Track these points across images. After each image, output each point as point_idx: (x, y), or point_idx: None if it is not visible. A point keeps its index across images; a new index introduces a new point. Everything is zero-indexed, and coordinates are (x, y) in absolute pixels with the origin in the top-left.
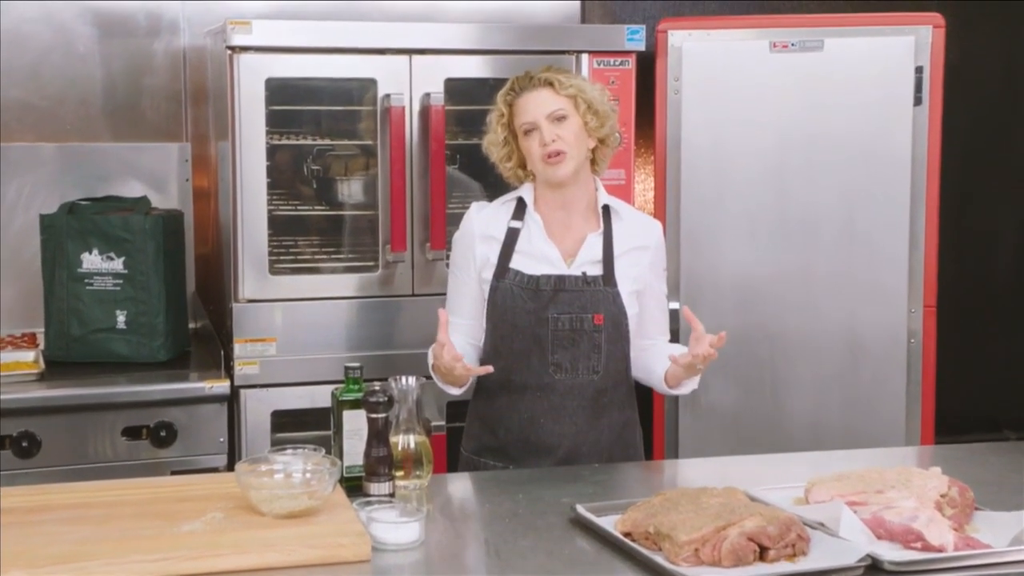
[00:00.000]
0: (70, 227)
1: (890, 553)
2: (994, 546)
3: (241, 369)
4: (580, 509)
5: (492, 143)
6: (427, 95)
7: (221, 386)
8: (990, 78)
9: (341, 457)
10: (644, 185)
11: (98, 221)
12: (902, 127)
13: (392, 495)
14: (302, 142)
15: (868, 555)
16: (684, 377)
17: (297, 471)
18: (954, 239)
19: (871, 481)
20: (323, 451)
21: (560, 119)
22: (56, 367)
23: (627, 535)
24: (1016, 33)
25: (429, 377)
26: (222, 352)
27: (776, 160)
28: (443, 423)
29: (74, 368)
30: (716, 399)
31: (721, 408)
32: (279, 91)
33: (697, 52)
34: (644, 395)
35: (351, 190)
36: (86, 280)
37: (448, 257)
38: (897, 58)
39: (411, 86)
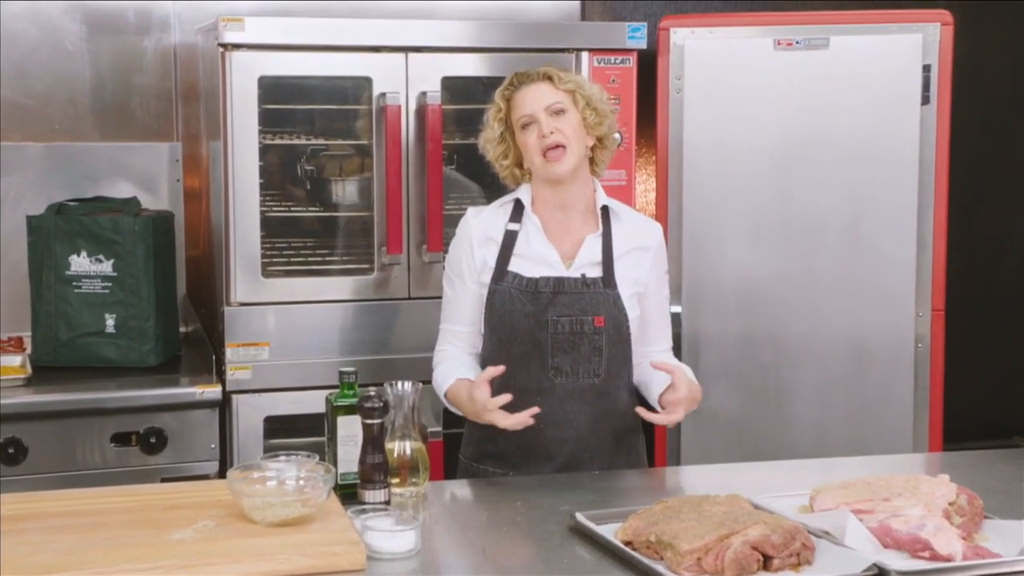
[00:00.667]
0: (58, 229)
1: (897, 563)
2: (1004, 556)
3: (233, 374)
4: (580, 517)
5: (488, 140)
6: (423, 94)
7: (212, 391)
8: (999, 77)
9: (335, 464)
10: (645, 186)
11: (86, 222)
12: (909, 127)
13: (388, 503)
14: (296, 142)
15: (874, 565)
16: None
17: (290, 478)
18: (962, 241)
19: (877, 489)
20: (317, 458)
21: (559, 112)
22: (43, 372)
23: (628, 544)
24: None
25: (426, 382)
26: (213, 356)
27: (780, 161)
28: (440, 429)
29: (62, 373)
30: (719, 405)
31: (724, 414)
32: (272, 89)
33: (699, 50)
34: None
35: (346, 191)
36: (74, 283)
37: (445, 260)
38: (904, 56)
39: (407, 85)
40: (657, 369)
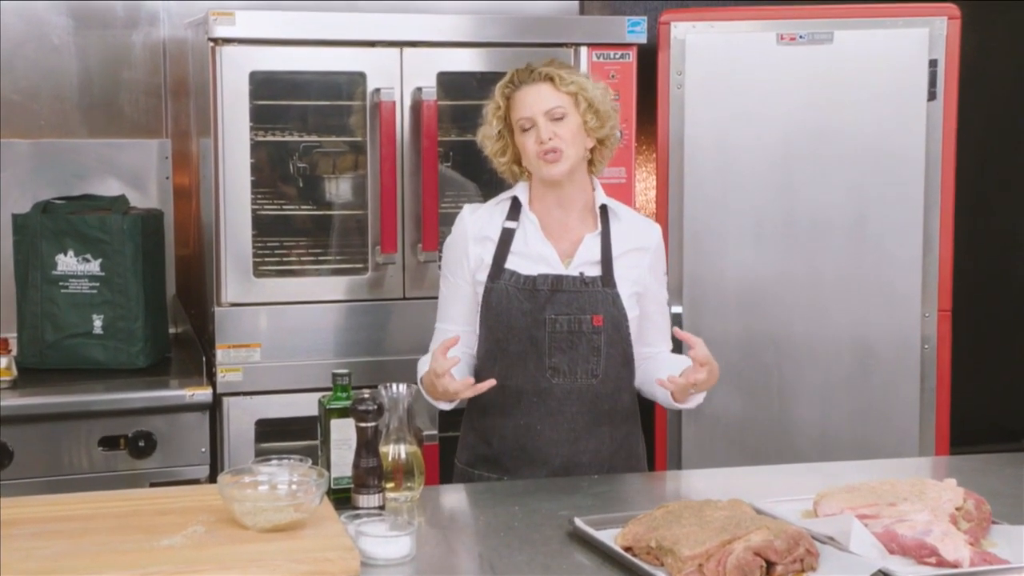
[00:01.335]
0: (44, 227)
1: (903, 569)
2: (1012, 562)
3: (224, 376)
4: (578, 522)
5: (487, 136)
6: (419, 89)
7: (203, 394)
8: (1008, 71)
9: (328, 468)
10: (645, 184)
11: (74, 221)
12: (915, 123)
13: (382, 508)
14: (288, 139)
15: (880, 571)
16: (691, 392)
17: (282, 483)
18: (970, 240)
19: (883, 493)
20: (310, 462)
21: (559, 118)
22: (29, 374)
23: (628, 550)
24: None
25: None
26: (204, 358)
27: (783, 158)
28: (435, 432)
29: (48, 375)
30: (721, 407)
31: (726, 417)
32: (264, 85)
33: (701, 45)
34: (645, 403)
35: (339, 189)
36: (61, 283)
37: (440, 259)
38: (910, 51)
39: (402, 80)
40: (679, 337)
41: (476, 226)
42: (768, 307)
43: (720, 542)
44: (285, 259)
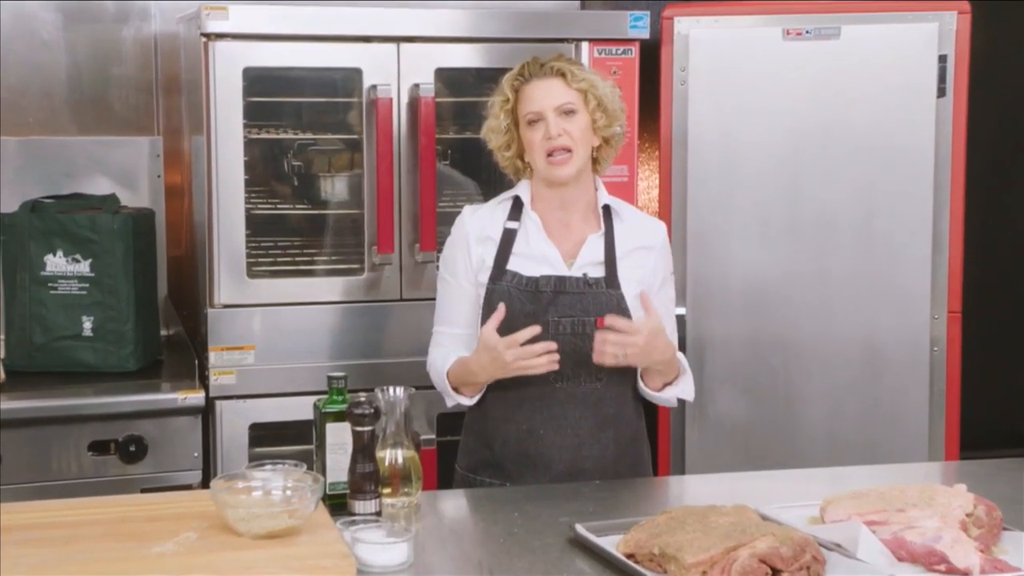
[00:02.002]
0: (32, 227)
1: None
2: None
3: (217, 379)
4: (580, 529)
5: (493, 130)
6: (416, 86)
7: (195, 397)
8: (1019, 67)
9: (324, 473)
10: (648, 182)
11: (63, 221)
12: (924, 120)
13: (379, 514)
14: (282, 136)
15: None
16: (659, 378)
17: (277, 488)
18: (980, 240)
19: (891, 499)
20: (305, 467)
21: (568, 113)
22: (17, 377)
23: (630, 556)
24: None
25: (418, 387)
26: (196, 361)
27: (789, 155)
28: (433, 437)
29: (37, 378)
30: (725, 411)
31: (730, 420)
32: (257, 81)
33: (705, 40)
34: (649, 406)
35: (335, 187)
36: (50, 284)
37: (439, 260)
38: (919, 46)
39: (399, 76)
40: (641, 302)
41: (477, 226)
42: (774, 308)
43: (725, 549)
44: (279, 259)
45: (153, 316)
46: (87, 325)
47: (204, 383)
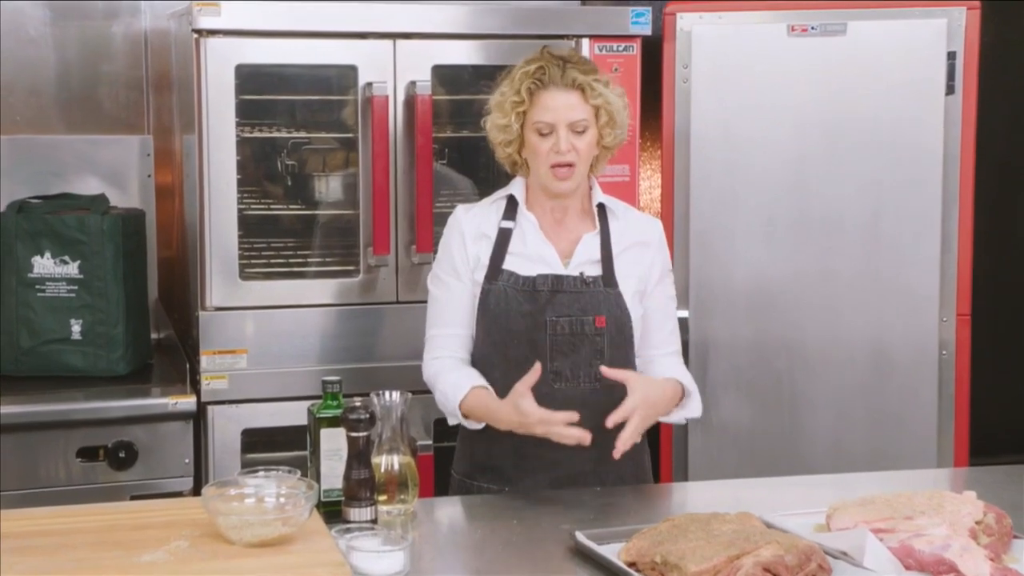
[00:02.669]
0: (20, 228)
1: None
2: None
3: (208, 384)
4: (580, 536)
5: (499, 128)
6: (413, 83)
7: (186, 402)
8: None
9: (318, 480)
10: (650, 182)
11: (51, 221)
12: (933, 118)
13: (374, 521)
14: (275, 135)
15: None
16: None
17: (270, 495)
18: (990, 240)
19: (899, 506)
20: (298, 473)
21: (580, 131)
22: (4, 381)
23: (631, 565)
24: None
25: (415, 392)
26: (187, 365)
27: (795, 154)
28: (430, 442)
29: (24, 383)
30: (729, 416)
31: (734, 426)
32: (250, 79)
33: (708, 36)
34: None
35: (329, 187)
36: (37, 286)
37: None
38: (927, 43)
39: (395, 74)
40: (607, 375)
41: (472, 224)
42: (779, 310)
43: (728, 557)
44: (273, 261)
45: (143, 319)
46: (76, 328)
47: (195, 388)
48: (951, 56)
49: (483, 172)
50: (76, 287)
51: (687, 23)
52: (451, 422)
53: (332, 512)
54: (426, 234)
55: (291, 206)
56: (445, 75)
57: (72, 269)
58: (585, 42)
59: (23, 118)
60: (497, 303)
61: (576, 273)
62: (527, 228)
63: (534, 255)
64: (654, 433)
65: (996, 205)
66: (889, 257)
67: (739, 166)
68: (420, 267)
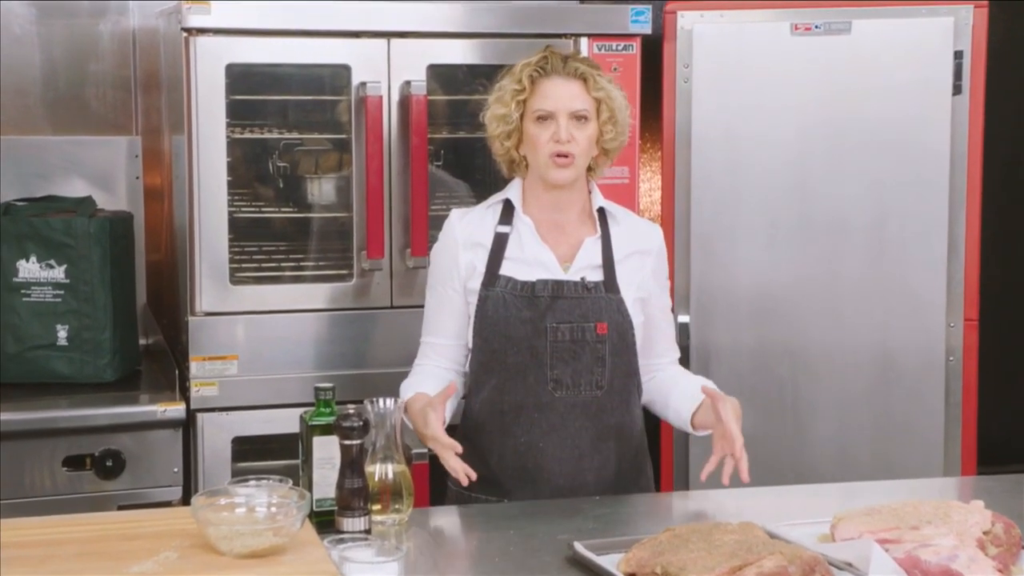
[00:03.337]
0: (5, 231)
1: None
2: None
3: (198, 390)
4: (578, 547)
5: (499, 118)
6: (407, 83)
7: (175, 409)
8: None
9: (310, 489)
10: (650, 184)
11: (36, 224)
12: (940, 119)
13: (368, 532)
14: (267, 136)
15: None
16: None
17: (261, 505)
18: (998, 244)
19: (905, 516)
20: (290, 482)
21: (580, 119)
22: None
23: None
24: None
25: None
26: (176, 371)
27: (798, 156)
28: (425, 451)
29: (9, 390)
30: None
31: None
32: (241, 78)
33: (709, 35)
34: (650, 418)
35: (322, 190)
36: (23, 291)
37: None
38: (934, 42)
39: (389, 73)
40: (706, 394)
41: (466, 231)
42: (782, 315)
43: (730, 568)
44: (264, 265)
45: (131, 324)
46: (62, 334)
47: (185, 395)
48: (958, 55)
49: (479, 174)
50: (62, 292)
51: (688, 22)
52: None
53: (325, 522)
54: (421, 237)
55: (283, 209)
56: (441, 75)
57: (58, 273)
58: (584, 41)
59: (8, 118)
60: (495, 309)
61: (577, 278)
62: (524, 232)
63: (532, 260)
64: (654, 441)
65: (1004, 207)
66: (894, 261)
67: (741, 168)
68: (415, 271)
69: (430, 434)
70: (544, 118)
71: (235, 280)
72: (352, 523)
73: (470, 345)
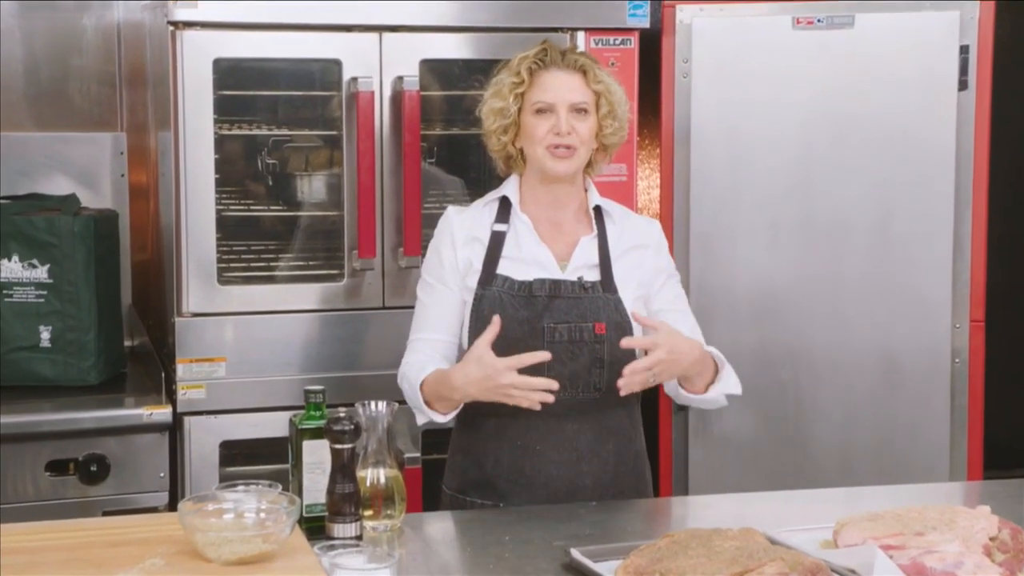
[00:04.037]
0: None
1: None
2: None
3: (185, 393)
4: (575, 553)
5: (496, 111)
6: (400, 79)
7: (161, 413)
8: None
9: (300, 494)
10: (648, 182)
11: (18, 223)
12: (945, 115)
13: (359, 538)
14: (256, 132)
15: None
16: (699, 380)
17: (250, 511)
18: (1005, 243)
19: (909, 521)
20: (280, 487)
21: (580, 111)
22: None
23: None
24: None
25: (401, 402)
26: (163, 374)
27: (800, 153)
28: (418, 455)
29: None
30: (731, 426)
31: (737, 437)
32: (229, 73)
33: (709, 29)
34: (648, 422)
35: (312, 187)
36: (4, 291)
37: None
38: (939, 36)
39: (381, 68)
40: (637, 320)
41: (464, 227)
42: (783, 316)
43: (731, 575)
44: (253, 264)
45: (116, 326)
46: (45, 335)
47: (171, 398)
48: (964, 50)
49: (474, 172)
50: (45, 292)
51: (687, 15)
52: (419, 420)
53: (315, 528)
54: (414, 237)
55: (272, 207)
56: (434, 70)
57: (41, 273)
58: (580, 35)
59: None
60: (492, 309)
61: (574, 278)
62: (521, 230)
63: (529, 258)
64: (653, 445)
65: (1011, 206)
66: (899, 260)
67: (742, 165)
68: (407, 271)
69: (503, 367)
70: (543, 111)
71: (223, 280)
72: (343, 529)
73: (464, 345)
